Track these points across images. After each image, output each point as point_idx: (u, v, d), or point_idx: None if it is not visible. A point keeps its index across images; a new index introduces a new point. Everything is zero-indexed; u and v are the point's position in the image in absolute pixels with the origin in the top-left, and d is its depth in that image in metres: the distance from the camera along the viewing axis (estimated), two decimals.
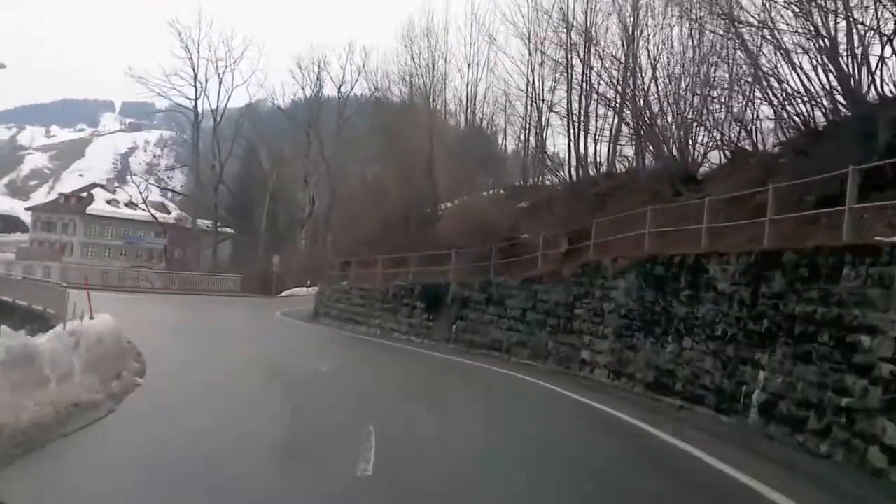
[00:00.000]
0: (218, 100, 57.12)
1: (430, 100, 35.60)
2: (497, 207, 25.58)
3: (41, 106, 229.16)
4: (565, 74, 23.34)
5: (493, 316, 18.48)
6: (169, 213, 69.55)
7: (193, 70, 55.45)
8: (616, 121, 21.66)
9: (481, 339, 18.79)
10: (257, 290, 48.91)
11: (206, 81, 56.83)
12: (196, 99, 56.20)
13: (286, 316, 30.63)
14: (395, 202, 32.20)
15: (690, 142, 17.46)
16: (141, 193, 62.58)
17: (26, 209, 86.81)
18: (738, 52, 14.57)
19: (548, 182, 26.32)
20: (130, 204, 77.81)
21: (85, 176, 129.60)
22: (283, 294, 46.69)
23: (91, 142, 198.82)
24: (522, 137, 30.35)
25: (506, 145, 36.21)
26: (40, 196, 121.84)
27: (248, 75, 77.52)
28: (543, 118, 25.95)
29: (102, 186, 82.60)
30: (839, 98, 12.35)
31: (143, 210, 66.36)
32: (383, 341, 22.29)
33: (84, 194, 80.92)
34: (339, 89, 56.55)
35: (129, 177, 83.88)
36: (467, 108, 36.83)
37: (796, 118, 13.58)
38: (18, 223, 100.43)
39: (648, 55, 19.52)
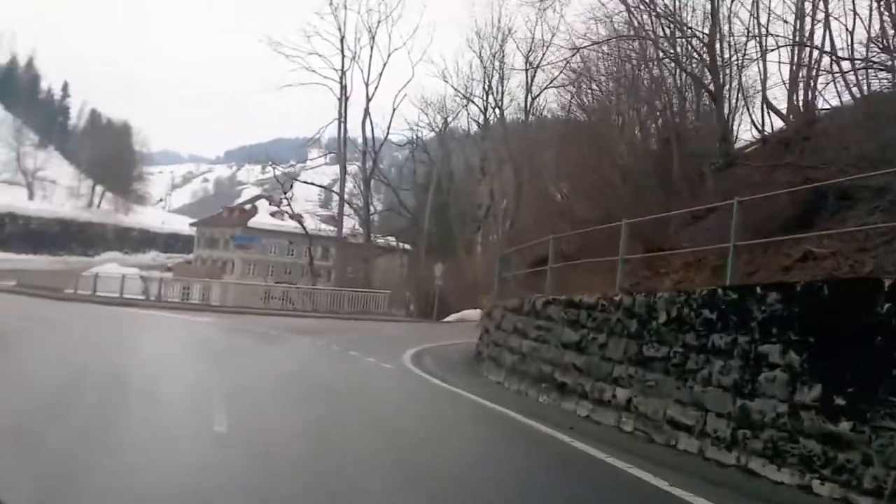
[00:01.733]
0: (369, 69, 44.59)
1: None
2: None
3: (259, 146, 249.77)
4: None
5: None
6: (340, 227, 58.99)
7: (340, 30, 43.66)
8: None
9: None
10: (417, 309, 35.40)
11: (359, 49, 44.71)
12: (343, 70, 44.32)
13: (421, 364, 15.51)
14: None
15: None
16: (288, 203, 51.54)
17: (190, 224, 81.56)
18: None
19: None
20: (296, 216, 68.88)
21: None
22: (450, 318, 32.70)
23: (298, 174, 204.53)
24: None
25: None
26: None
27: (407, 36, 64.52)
28: None
29: (267, 198, 74.56)
30: None
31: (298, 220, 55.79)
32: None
33: (248, 206, 73.40)
34: (526, 59, 42.15)
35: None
36: None
37: None
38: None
39: None
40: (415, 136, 46.41)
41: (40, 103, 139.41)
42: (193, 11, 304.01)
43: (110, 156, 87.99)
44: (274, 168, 46.39)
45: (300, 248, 69.48)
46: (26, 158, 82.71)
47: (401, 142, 47.42)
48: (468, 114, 45.49)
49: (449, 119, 45.56)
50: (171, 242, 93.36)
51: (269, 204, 72.54)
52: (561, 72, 33.14)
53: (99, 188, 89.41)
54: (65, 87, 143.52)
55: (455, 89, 44.63)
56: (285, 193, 48.64)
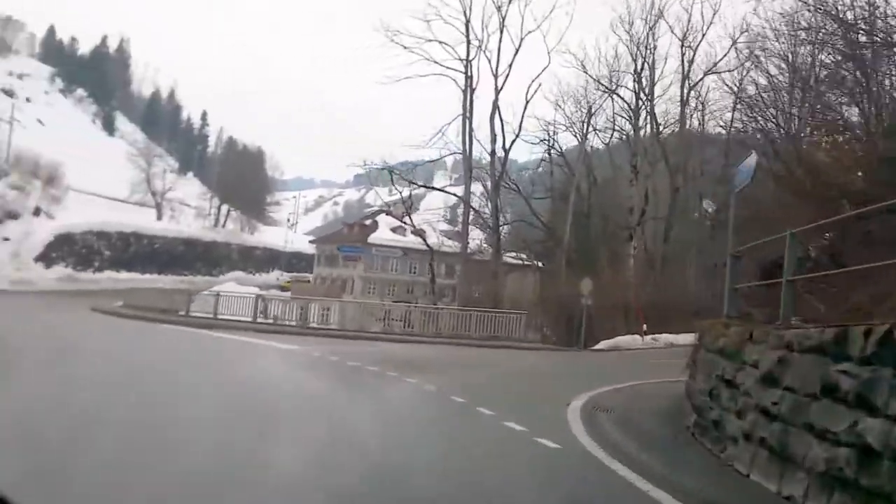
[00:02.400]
0: (498, 58, 38.85)
1: None
2: None
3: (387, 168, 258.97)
4: None
5: None
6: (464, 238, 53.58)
7: (465, 14, 38.34)
8: None
9: None
10: (555, 334, 28.95)
11: (486, 36, 39.15)
12: (468, 59, 38.85)
13: (605, 438, 8.38)
14: None
15: None
16: (409, 217, 46.41)
17: (310, 241, 78.86)
18: None
19: None
20: (418, 231, 64.34)
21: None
22: (601, 346, 26.02)
23: (423, 197, 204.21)
24: None
25: None
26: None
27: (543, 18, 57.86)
28: None
29: (387, 212, 70.42)
30: None
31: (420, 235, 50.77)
32: None
33: (368, 222, 69.56)
34: (682, 42, 35.01)
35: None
36: None
37: None
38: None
39: None
40: (550, 134, 40.12)
41: (181, 132, 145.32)
42: (325, 37, 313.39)
43: (244, 180, 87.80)
44: (392, 173, 41.02)
45: (423, 265, 65.07)
46: (155, 180, 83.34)
47: (533, 141, 41.19)
48: (613, 106, 38.81)
49: (593, 111, 38.95)
50: (295, 261, 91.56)
51: (391, 218, 68.41)
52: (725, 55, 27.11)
53: (225, 207, 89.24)
54: (203, 116, 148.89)
55: (597, 80, 38.16)
56: (408, 207, 43.56)
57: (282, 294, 56.55)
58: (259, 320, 28.03)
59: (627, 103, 38.29)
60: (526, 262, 43.00)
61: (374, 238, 64.84)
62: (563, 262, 35.12)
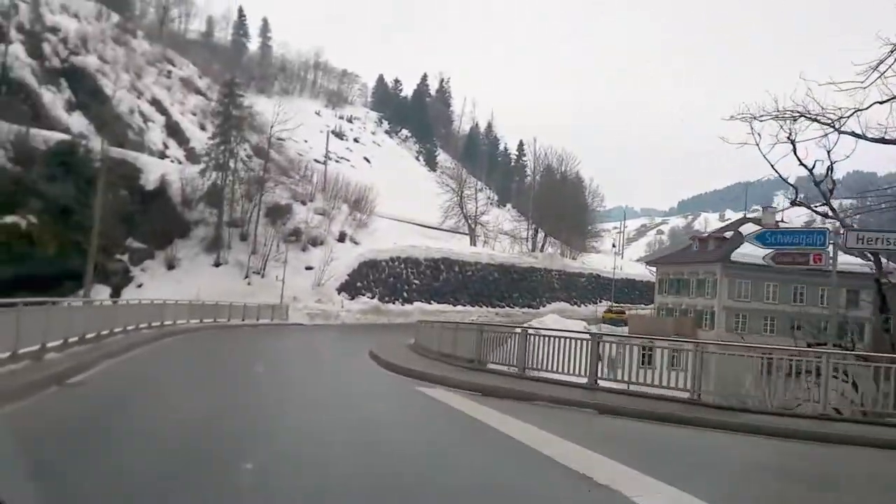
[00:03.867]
0: None
1: None
2: None
3: (715, 193, 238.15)
4: None
5: None
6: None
7: None
8: None
9: None
10: None
11: None
12: None
13: None
14: None
15: None
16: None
17: (647, 264, 63.33)
18: None
19: None
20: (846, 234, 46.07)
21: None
22: None
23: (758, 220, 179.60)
24: None
25: None
26: None
27: None
28: None
29: (755, 220, 52.55)
30: None
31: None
32: None
33: (727, 234, 52.37)
34: None
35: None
36: None
37: None
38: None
39: None
40: None
41: (499, 165, 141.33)
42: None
43: (563, 209, 76.99)
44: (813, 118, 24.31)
45: (813, 291, 46.12)
46: (468, 203, 75.60)
47: None
48: None
49: None
50: (626, 290, 77.08)
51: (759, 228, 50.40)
52: None
53: (541, 235, 78.56)
54: (520, 147, 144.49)
55: None
56: (827, 192, 26.40)
57: (615, 330, 42.53)
58: (601, 384, 14.05)
59: None
60: None
61: (739, 255, 47.63)
62: None
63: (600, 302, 73.46)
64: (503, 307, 63.10)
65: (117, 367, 13.85)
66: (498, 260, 65.45)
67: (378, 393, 13.54)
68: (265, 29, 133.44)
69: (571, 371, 14.07)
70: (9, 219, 38.27)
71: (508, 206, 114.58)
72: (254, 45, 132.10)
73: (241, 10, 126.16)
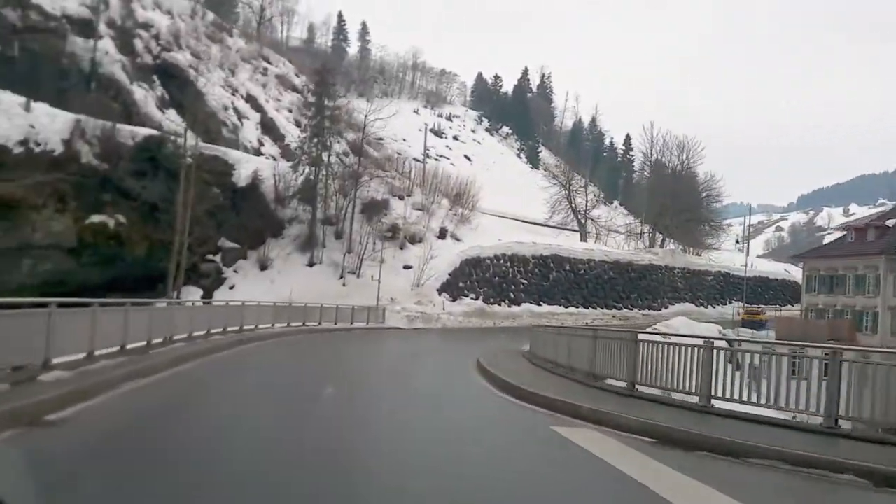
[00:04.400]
0: None
1: None
2: None
3: (836, 187, 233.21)
4: None
5: None
6: None
7: None
8: None
9: None
10: None
11: None
12: None
13: None
14: None
15: None
16: None
17: (792, 257, 55.73)
18: None
19: None
20: None
21: None
22: None
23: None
24: None
25: None
26: None
27: None
28: None
29: None
30: None
31: None
32: None
33: (891, 222, 44.71)
34: None
35: None
36: None
37: None
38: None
39: None
40: None
41: (604, 161, 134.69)
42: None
43: (676, 207, 70.21)
44: None
45: None
46: (577, 197, 70.11)
47: None
48: None
49: None
50: (759, 289, 69.32)
51: None
52: None
53: (658, 236, 72.06)
54: (626, 142, 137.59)
55: None
56: None
57: (760, 336, 36.24)
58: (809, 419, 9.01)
59: None
60: None
61: None
62: None
63: (729, 303, 66.25)
64: (620, 309, 57.36)
65: (119, 400, 9.61)
66: (613, 257, 59.65)
67: (498, 442, 8.63)
68: (364, 32, 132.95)
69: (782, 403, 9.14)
70: (96, 218, 36.42)
71: (615, 203, 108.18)
72: (353, 49, 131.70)
73: (340, 16, 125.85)
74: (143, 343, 14.05)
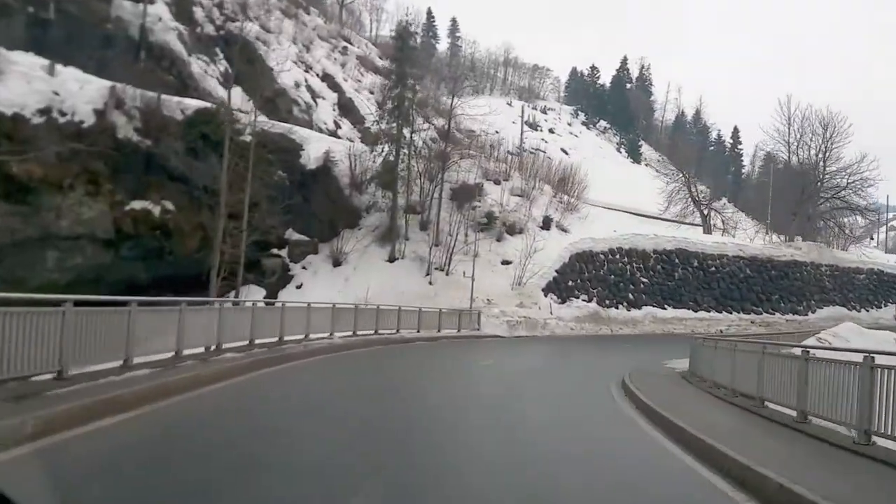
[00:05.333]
0: None
1: None
2: None
3: None
4: None
5: None
6: None
7: None
8: None
9: None
10: None
11: None
12: None
13: None
14: None
15: None
16: None
17: None
18: None
19: None
20: None
21: None
22: None
23: None
24: None
25: None
26: None
27: None
28: None
29: None
30: None
31: None
32: None
33: None
34: None
35: None
36: None
37: None
38: None
39: None
40: None
41: (710, 155, 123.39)
42: None
43: (797, 204, 60.02)
44: None
45: None
46: (693, 187, 60.79)
47: None
48: None
49: None
50: None
51: None
52: None
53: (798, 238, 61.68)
54: (735, 134, 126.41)
55: None
56: None
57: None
58: None
59: None
60: None
61: None
62: None
63: (883, 305, 55.54)
64: (759, 313, 47.80)
65: None
66: (749, 252, 50.03)
67: None
68: (454, 29, 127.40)
69: None
70: (137, 204, 30.64)
71: (723, 200, 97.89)
72: (443, 45, 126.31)
73: (429, 12, 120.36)
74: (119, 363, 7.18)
